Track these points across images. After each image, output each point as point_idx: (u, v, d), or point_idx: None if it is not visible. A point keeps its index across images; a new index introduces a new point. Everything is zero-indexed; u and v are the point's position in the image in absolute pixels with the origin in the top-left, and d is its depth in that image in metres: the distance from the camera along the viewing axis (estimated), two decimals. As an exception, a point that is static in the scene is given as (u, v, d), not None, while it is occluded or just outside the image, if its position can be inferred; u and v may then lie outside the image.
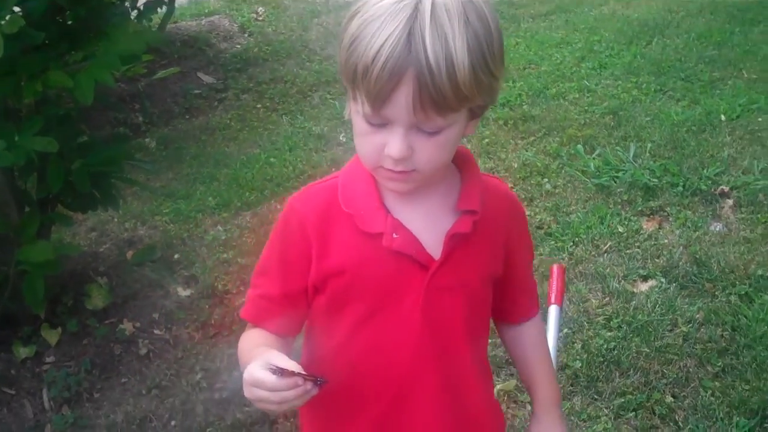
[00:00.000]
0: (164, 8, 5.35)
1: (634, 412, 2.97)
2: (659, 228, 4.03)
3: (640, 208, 4.18)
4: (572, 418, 2.94)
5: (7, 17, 2.92)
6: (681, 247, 3.84)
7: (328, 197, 1.53)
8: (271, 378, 1.30)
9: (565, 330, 3.34)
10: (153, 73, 5.48)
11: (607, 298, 3.53)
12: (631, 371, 3.13)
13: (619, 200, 4.25)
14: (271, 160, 4.95)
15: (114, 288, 3.80)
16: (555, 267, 2.40)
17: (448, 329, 1.54)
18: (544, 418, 1.73)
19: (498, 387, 3.06)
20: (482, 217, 1.52)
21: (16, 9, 3.06)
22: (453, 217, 1.51)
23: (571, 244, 3.90)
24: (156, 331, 3.58)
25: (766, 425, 2.88)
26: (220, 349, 3.43)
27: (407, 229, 1.49)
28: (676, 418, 2.94)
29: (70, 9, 3.36)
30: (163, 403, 3.20)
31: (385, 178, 1.45)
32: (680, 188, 4.29)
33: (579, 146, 4.77)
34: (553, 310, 2.21)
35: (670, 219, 4.09)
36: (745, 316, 3.36)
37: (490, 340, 1.77)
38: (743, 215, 4.08)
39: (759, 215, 4.06)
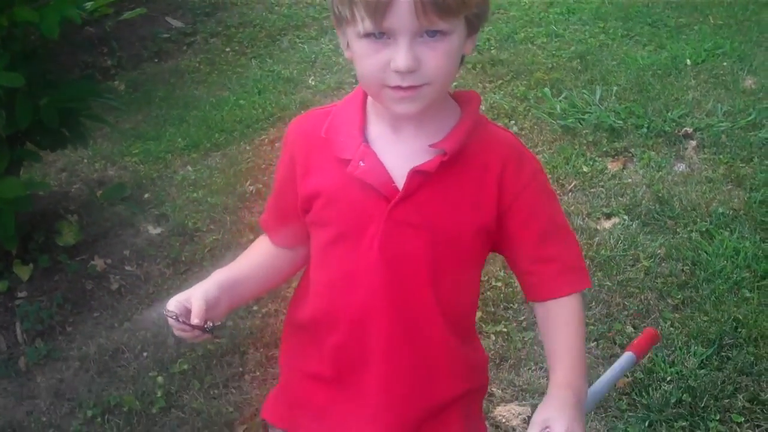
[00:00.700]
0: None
1: (595, 342, 3.05)
2: (623, 168, 4.10)
3: (605, 149, 4.24)
4: (535, 347, 3.02)
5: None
6: (644, 186, 3.91)
7: (319, 123, 1.56)
8: (170, 320, 1.52)
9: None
10: (119, 15, 5.45)
11: (572, 235, 3.60)
12: (593, 303, 3.21)
13: (585, 141, 4.31)
14: (241, 102, 4.97)
15: (85, 226, 3.83)
16: (650, 329, 2.21)
17: (407, 267, 1.51)
18: (551, 401, 1.48)
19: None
20: (464, 161, 1.48)
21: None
22: (430, 155, 1.48)
23: (537, 183, 3.96)
24: (127, 268, 3.62)
25: (722, 353, 2.97)
26: (190, 284, 3.42)
27: (378, 159, 1.48)
28: (637, 347, 3.02)
29: (37, -56, 3.35)
30: (135, 335, 3.25)
31: (393, 99, 1.42)
32: (645, 130, 4.35)
33: (546, 89, 4.82)
34: (626, 356, 2.00)
35: (635, 159, 4.16)
36: (705, 252, 3.45)
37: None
38: (706, 156, 4.16)
39: (721, 156, 4.13)
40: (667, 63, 5.08)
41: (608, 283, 3.31)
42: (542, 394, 2.77)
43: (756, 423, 2.72)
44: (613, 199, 3.83)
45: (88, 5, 3.57)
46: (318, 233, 1.58)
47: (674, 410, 2.77)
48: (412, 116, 1.46)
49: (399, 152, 1.49)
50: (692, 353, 2.96)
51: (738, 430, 2.71)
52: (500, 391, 2.87)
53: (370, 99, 1.54)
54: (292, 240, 1.66)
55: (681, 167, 4.09)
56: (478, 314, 3.17)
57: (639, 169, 4.07)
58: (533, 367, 2.95)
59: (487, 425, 2.72)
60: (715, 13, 5.85)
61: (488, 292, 3.28)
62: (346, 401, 1.61)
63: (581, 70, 5.07)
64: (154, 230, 3.85)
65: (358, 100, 1.55)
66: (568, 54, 5.29)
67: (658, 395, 2.81)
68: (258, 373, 3.02)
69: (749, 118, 4.42)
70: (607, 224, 3.69)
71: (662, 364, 2.92)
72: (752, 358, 2.93)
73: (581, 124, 4.44)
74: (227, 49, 5.83)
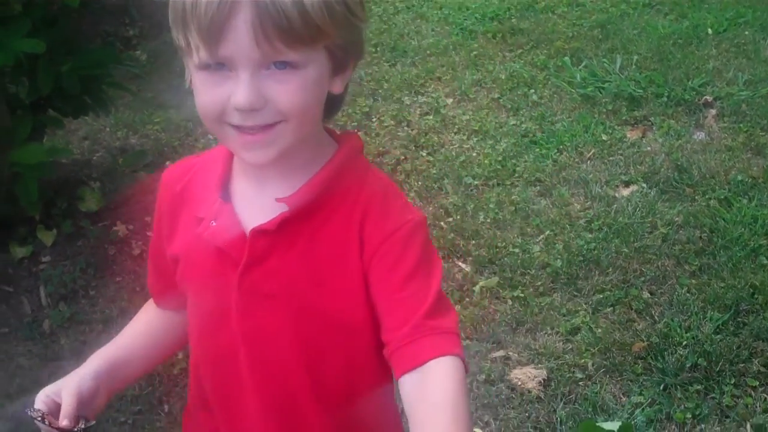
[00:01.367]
0: None
1: (612, 307, 3.07)
2: (642, 136, 4.10)
3: (624, 118, 4.24)
4: (552, 312, 3.05)
5: None
6: (663, 155, 3.91)
7: (185, 174, 1.39)
8: (36, 422, 1.32)
9: (547, 232, 3.44)
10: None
11: (589, 202, 3.62)
12: (610, 270, 3.23)
13: (604, 110, 4.31)
14: (261, 71, 4.99)
15: (107, 192, 3.87)
16: None
17: (270, 344, 1.30)
18: None
19: (480, 284, 3.16)
20: (323, 215, 1.26)
21: None
22: (278, 211, 1.27)
23: (556, 151, 3.98)
24: (149, 233, 3.63)
25: (738, 319, 2.99)
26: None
27: (235, 217, 1.29)
28: (653, 312, 3.04)
29: None
30: (157, 299, 3.29)
31: (241, 145, 1.21)
32: (665, 99, 4.35)
33: (566, 58, 4.81)
34: None
35: (654, 128, 4.16)
36: (723, 219, 3.46)
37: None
38: (725, 124, 4.15)
39: (741, 125, 4.13)
40: (688, 32, 5.06)
41: (625, 249, 3.33)
42: (558, 358, 2.82)
43: (771, 387, 2.74)
44: (631, 167, 3.84)
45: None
46: (186, 296, 1.40)
47: (689, 374, 2.79)
48: (266, 165, 1.24)
49: (258, 208, 1.28)
50: (708, 319, 2.98)
51: (753, 394, 2.73)
52: (516, 355, 2.90)
53: None
54: (177, 302, 1.43)
55: (700, 136, 4.08)
56: (496, 280, 3.20)
57: (658, 138, 4.07)
58: (549, 332, 2.98)
59: (503, 387, 2.76)
60: (738, -19, 5.82)
61: (505, 258, 3.30)
62: None
63: (602, 39, 5.05)
64: (175, 197, 3.89)
65: (224, 148, 1.33)
66: (588, 23, 5.28)
67: (673, 360, 2.83)
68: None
69: (770, 87, 4.41)
70: (625, 192, 3.70)
71: (678, 330, 2.94)
72: (768, 324, 2.95)
73: (601, 93, 4.44)
74: (248, 19, 5.85)
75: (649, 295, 3.12)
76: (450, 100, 4.50)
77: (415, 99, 4.54)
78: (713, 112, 4.26)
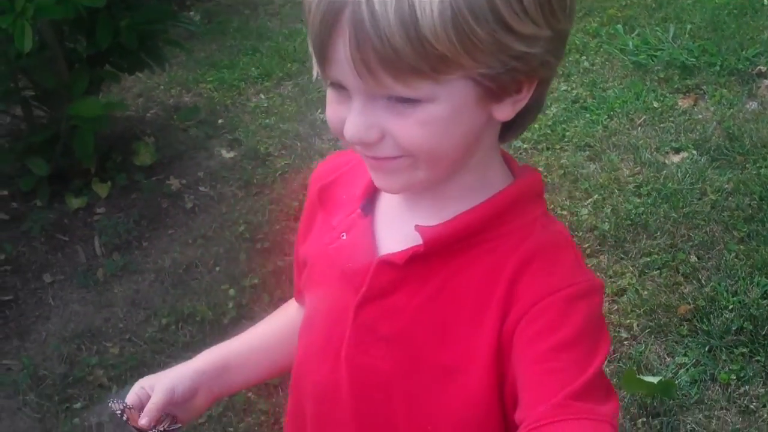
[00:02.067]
0: None
1: (658, 270, 3.08)
2: (694, 105, 4.08)
3: (676, 86, 4.22)
4: (598, 273, 3.06)
5: None
6: (715, 123, 3.89)
7: (333, 172, 1.20)
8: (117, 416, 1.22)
9: (595, 196, 3.45)
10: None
11: (639, 168, 3.62)
12: (658, 234, 3.23)
13: (656, 78, 4.29)
14: (313, 33, 5.02)
15: (161, 147, 3.95)
16: None
17: (376, 392, 1.09)
18: None
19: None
20: (469, 256, 1.03)
21: None
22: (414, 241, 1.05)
23: (606, 117, 3.97)
24: (201, 188, 3.73)
25: (786, 282, 2.99)
26: (262, 204, 3.58)
27: (370, 235, 1.10)
28: (699, 276, 3.04)
29: None
30: (209, 251, 3.36)
31: (368, 165, 1.03)
32: (717, 68, 4.32)
33: (618, 26, 4.79)
34: None
35: (706, 97, 4.14)
36: (774, 187, 3.45)
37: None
38: (779, 95, 4.12)
39: (794, 95, 4.09)
40: (743, 2, 4.99)
41: (674, 215, 3.33)
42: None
43: (816, 352, 2.74)
44: (682, 135, 3.83)
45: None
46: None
47: (735, 337, 2.80)
48: (396, 193, 1.07)
49: (399, 231, 1.07)
50: (756, 284, 2.98)
51: (798, 358, 2.73)
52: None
53: None
54: None
55: (753, 105, 4.05)
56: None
57: (710, 106, 4.04)
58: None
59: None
60: (796, -47, 5.73)
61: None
62: None
63: (655, 8, 5.01)
64: (227, 154, 3.96)
65: None
66: (642, -8, 5.24)
67: (719, 323, 2.84)
68: (326, 290, 3.11)
69: (825, 58, 4.36)
70: (675, 158, 3.69)
71: (725, 294, 2.94)
72: (816, 290, 2.94)
73: (653, 61, 4.41)
74: (301, -17, 5.88)
75: (696, 260, 3.12)
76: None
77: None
78: (766, 82, 4.22)
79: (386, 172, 1.00)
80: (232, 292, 3.15)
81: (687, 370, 2.70)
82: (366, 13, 0.86)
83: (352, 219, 1.11)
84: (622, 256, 3.15)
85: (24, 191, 3.64)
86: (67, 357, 2.99)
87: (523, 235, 1.02)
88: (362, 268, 1.06)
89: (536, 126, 3.89)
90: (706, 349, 2.76)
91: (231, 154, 3.95)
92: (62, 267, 3.38)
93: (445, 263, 1.03)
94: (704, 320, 2.86)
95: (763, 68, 4.30)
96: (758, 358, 2.73)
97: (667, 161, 3.67)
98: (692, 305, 2.92)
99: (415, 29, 0.85)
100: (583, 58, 4.51)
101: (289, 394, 1.26)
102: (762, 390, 2.64)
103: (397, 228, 1.07)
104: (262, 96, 4.43)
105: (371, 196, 1.11)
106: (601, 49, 4.59)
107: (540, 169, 3.49)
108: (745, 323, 2.83)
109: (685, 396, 2.64)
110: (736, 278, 3.02)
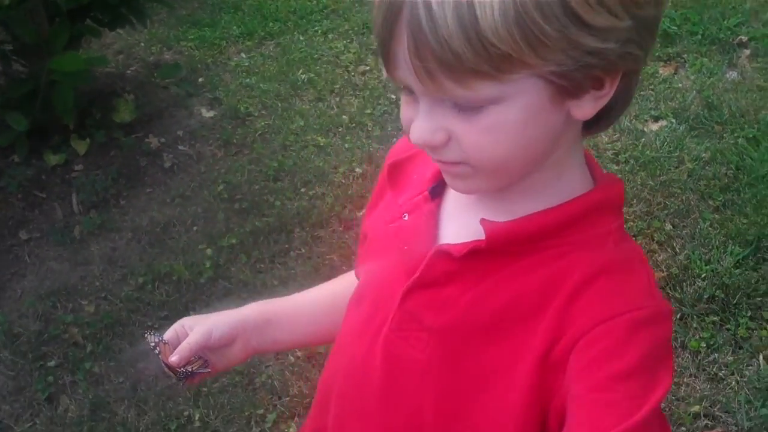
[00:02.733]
0: None
1: (633, 238, 3.10)
2: (675, 73, 4.09)
3: (657, 54, 4.22)
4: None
5: None
6: (694, 92, 3.91)
7: (414, 150, 1.13)
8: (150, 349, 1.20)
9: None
10: None
11: (618, 135, 3.63)
12: (635, 201, 3.25)
13: (638, 45, 4.29)
14: (296, -8, 5.00)
15: (140, 105, 3.92)
16: None
17: (407, 382, 1.05)
18: None
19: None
20: (531, 260, 0.97)
21: None
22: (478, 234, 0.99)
23: (587, 84, 3.98)
24: (180, 147, 3.72)
25: (759, 255, 3.02)
26: (241, 164, 3.57)
27: (433, 219, 1.05)
28: (674, 244, 3.07)
29: None
30: (186, 210, 3.36)
31: (441, 168, 1.00)
32: (699, 37, 4.32)
33: (602, -7, 4.77)
34: None
35: (686, 65, 4.15)
36: (750, 157, 3.46)
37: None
38: (759, 65, 4.13)
39: (774, 66, 4.11)
40: (727, -29, 5.00)
41: (651, 182, 3.35)
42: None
43: (786, 322, 2.78)
44: (662, 103, 3.84)
45: None
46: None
47: (706, 305, 2.83)
48: (464, 193, 1.02)
49: (464, 221, 1.02)
50: (729, 253, 3.01)
51: (767, 327, 2.77)
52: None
53: None
54: None
55: (733, 75, 4.07)
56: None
57: (690, 75, 4.06)
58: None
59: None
60: None
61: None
62: None
63: (639, -25, 5.01)
64: (207, 113, 3.94)
65: None
66: (627, -42, 5.22)
67: (691, 291, 2.87)
68: (303, 251, 3.13)
69: (806, 30, 4.37)
70: (654, 126, 3.71)
71: (698, 262, 2.97)
72: (788, 261, 2.98)
73: (635, 29, 4.41)
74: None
75: (671, 228, 3.15)
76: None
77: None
78: (747, 52, 4.23)
79: (452, 175, 0.96)
80: (209, 251, 3.15)
81: (658, 337, 2.73)
82: (423, 14, 0.81)
83: (417, 201, 1.07)
84: (598, 222, 3.17)
85: (1, 146, 3.62)
86: (42, 314, 3.00)
87: (594, 247, 0.96)
88: (419, 254, 1.02)
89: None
90: (678, 316, 2.79)
91: (211, 113, 3.94)
92: (39, 224, 3.38)
93: (506, 263, 0.97)
94: (677, 288, 2.89)
95: (744, 38, 4.31)
96: (728, 326, 2.77)
97: (646, 129, 3.69)
98: (666, 273, 2.95)
99: (475, 30, 0.80)
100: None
101: (325, 365, 1.23)
102: (731, 358, 2.68)
103: (464, 217, 1.02)
104: (243, 55, 4.41)
105: (442, 180, 1.03)
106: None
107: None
108: (717, 292, 2.86)
109: (656, 362, 2.68)
110: (710, 247, 3.05)
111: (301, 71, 4.19)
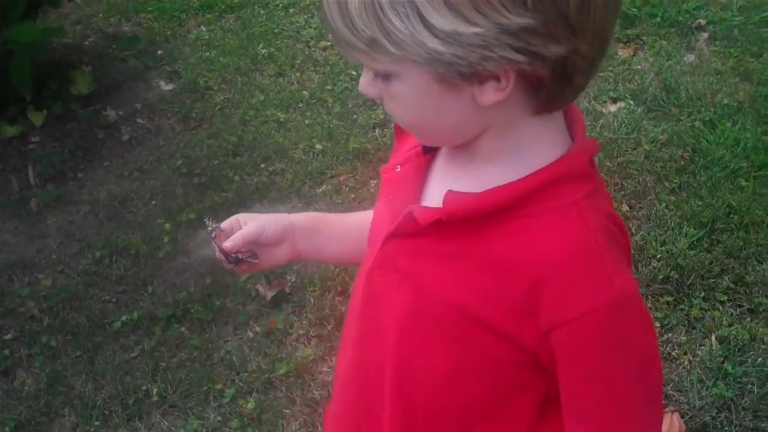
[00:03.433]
0: None
1: (591, 218, 3.13)
2: (633, 55, 4.12)
3: (616, 36, 4.25)
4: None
5: None
6: (653, 74, 3.94)
7: None
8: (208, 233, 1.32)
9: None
10: None
11: (577, 116, 3.65)
12: (592, 182, 3.28)
13: (598, 26, 4.31)
14: (257, -34, 4.96)
15: (98, 77, 3.88)
16: None
17: (380, 318, 1.15)
18: None
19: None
20: (489, 235, 1.03)
21: None
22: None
23: (547, 64, 4.00)
24: (139, 120, 3.69)
25: (713, 237, 3.06)
26: (200, 139, 3.55)
27: (420, 175, 1.13)
28: (630, 225, 3.11)
29: None
30: (144, 184, 3.34)
31: None
32: (658, 19, 4.36)
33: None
34: None
35: (645, 47, 4.18)
36: (707, 140, 3.51)
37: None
38: (716, 48, 4.17)
39: (732, 49, 4.15)
40: (687, -46, 5.04)
41: (608, 163, 3.38)
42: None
43: (738, 303, 2.82)
44: (620, 84, 3.87)
45: None
46: None
47: (661, 286, 2.87)
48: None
49: (447, 181, 1.08)
50: (684, 234, 3.05)
51: (720, 308, 2.81)
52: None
53: None
54: None
55: (691, 58, 4.11)
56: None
57: (649, 57, 4.09)
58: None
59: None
60: None
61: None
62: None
63: (600, -43, 5.03)
64: (166, 86, 3.91)
65: None
66: (588, -61, 5.24)
67: (646, 271, 2.91)
68: (262, 227, 3.12)
69: (763, 15, 4.40)
70: (612, 108, 3.74)
71: (653, 243, 3.01)
72: (741, 243, 3.02)
73: (596, 10, 4.43)
74: None
75: (628, 209, 3.18)
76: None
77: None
78: (705, 35, 4.28)
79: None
80: (167, 226, 3.14)
81: (613, 316, 2.76)
82: (326, 3, 0.95)
83: (410, 154, 1.14)
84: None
85: (-43, 116, 3.57)
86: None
87: (557, 219, 1.00)
88: (400, 206, 1.09)
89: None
90: (633, 296, 2.83)
91: (170, 87, 3.91)
92: (-6, 196, 3.34)
93: (472, 230, 1.03)
94: (632, 268, 2.92)
95: (703, 21, 4.35)
96: (682, 306, 2.81)
97: (604, 110, 3.72)
98: (622, 254, 2.98)
99: (348, 17, 0.92)
100: (527, 3, 4.52)
101: None
102: (684, 338, 2.72)
103: (447, 177, 1.09)
104: (203, 28, 4.37)
105: None
106: None
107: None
108: (672, 272, 2.90)
109: (611, 342, 2.71)
110: (666, 228, 3.09)
111: (261, 45, 4.17)
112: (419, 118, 1.02)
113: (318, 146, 3.49)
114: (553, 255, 0.99)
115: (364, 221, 1.30)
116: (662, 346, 2.70)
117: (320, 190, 3.27)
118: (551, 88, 0.97)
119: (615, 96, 3.80)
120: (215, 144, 3.51)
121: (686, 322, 2.78)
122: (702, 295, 2.84)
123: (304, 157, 3.44)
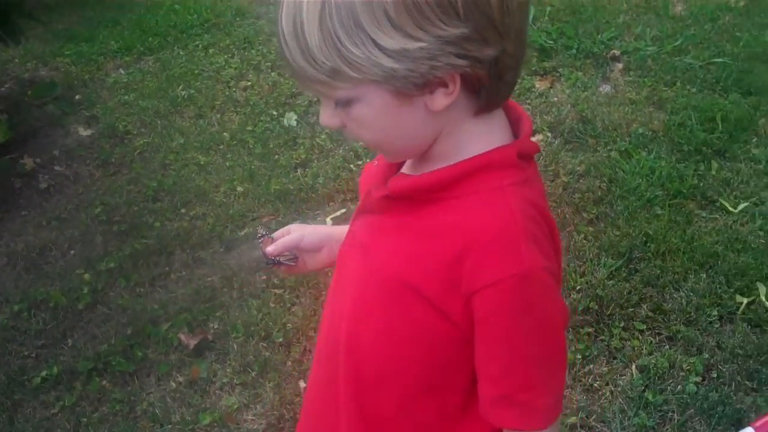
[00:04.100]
0: None
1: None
2: (551, 87, 4.19)
3: (534, 68, 4.32)
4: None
5: None
6: (569, 106, 4.01)
7: None
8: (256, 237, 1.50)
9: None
10: None
11: (496, 150, 3.70)
12: (512, 216, 3.32)
13: (515, 59, 4.38)
14: (176, 7, 4.95)
15: (14, 125, 3.83)
16: None
17: (343, 288, 1.29)
18: None
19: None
20: (425, 211, 1.16)
21: None
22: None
23: (466, 98, 4.04)
24: (56, 167, 3.65)
25: (631, 266, 3.11)
26: (119, 185, 3.52)
27: (394, 168, 1.27)
28: (550, 258, 3.14)
29: None
30: (63, 234, 3.30)
31: None
32: (574, 51, 4.44)
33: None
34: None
35: (562, 79, 4.26)
36: (623, 170, 3.57)
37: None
38: (631, 78, 4.27)
39: (646, 79, 4.24)
40: (601, -14, 5.15)
41: (528, 196, 3.42)
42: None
43: (657, 331, 2.87)
44: (538, 117, 3.93)
45: None
46: None
47: (581, 317, 2.91)
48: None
49: (409, 171, 1.24)
50: (602, 265, 3.10)
51: (639, 337, 2.86)
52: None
53: None
54: None
55: (606, 88, 4.19)
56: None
57: (566, 89, 4.16)
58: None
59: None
60: (652, -62, 5.92)
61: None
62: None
63: (516, -10, 5.11)
64: (84, 131, 3.87)
65: None
66: (504, -27, 5.32)
67: (567, 303, 2.94)
68: (184, 273, 3.10)
69: (676, 44, 4.52)
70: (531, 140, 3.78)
71: (573, 275, 3.05)
72: (658, 271, 3.07)
73: (513, 43, 4.50)
74: (164, -47, 5.77)
75: (547, 241, 3.22)
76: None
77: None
78: (620, 65, 4.37)
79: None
80: (87, 276, 3.09)
81: (535, 350, 2.79)
82: (282, 41, 1.04)
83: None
84: (477, 238, 3.22)
85: None
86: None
87: (482, 201, 1.13)
88: (374, 185, 1.23)
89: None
90: (554, 329, 2.86)
91: (88, 132, 3.87)
92: None
93: (414, 207, 1.17)
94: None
95: (617, 52, 4.45)
96: (602, 337, 2.85)
97: (523, 143, 3.76)
98: (542, 286, 3.01)
99: (308, 51, 1.03)
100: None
101: None
102: (605, 369, 2.76)
103: (413, 164, 1.23)
104: (122, 71, 4.35)
105: None
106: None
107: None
108: (591, 303, 2.94)
109: (533, 376, 2.73)
110: (585, 259, 3.14)
111: (181, 87, 4.15)
112: (383, 135, 1.14)
113: (239, 188, 3.48)
114: (475, 229, 1.12)
115: None
116: (584, 378, 2.73)
117: (242, 233, 3.25)
118: (489, 87, 1.10)
119: (533, 128, 3.84)
120: (135, 190, 3.49)
121: (607, 353, 2.81)
122: (621, 325, 2.88)
123: (225, 200, 3.42)
